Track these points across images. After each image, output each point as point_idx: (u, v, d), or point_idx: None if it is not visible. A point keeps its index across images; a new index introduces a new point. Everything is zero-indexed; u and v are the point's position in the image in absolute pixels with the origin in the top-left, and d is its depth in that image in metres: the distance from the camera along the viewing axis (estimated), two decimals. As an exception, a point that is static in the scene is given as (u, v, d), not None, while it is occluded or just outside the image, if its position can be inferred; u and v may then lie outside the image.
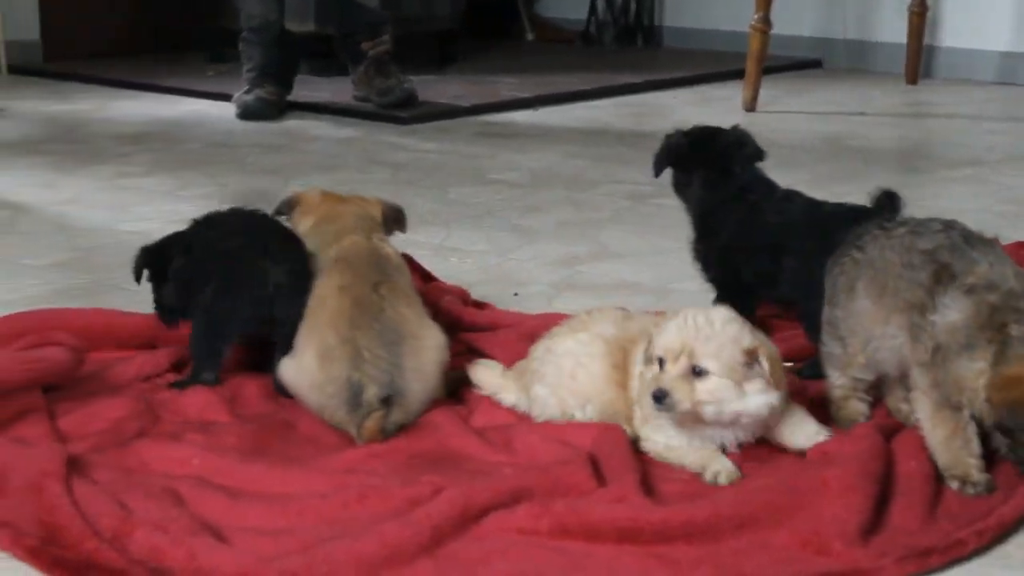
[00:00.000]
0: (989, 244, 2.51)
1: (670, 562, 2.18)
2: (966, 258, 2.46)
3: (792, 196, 3.10)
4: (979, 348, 2.37)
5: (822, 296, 2.73)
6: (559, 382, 2.68)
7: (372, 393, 2.64)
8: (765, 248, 3.01)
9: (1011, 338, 2.35)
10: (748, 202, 3.07)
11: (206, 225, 3.02)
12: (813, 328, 2.86)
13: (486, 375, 2.86)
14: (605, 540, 2.23)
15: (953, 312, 2.41)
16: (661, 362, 2.48)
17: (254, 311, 2.85)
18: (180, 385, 2.88)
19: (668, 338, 2.48)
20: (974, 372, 2.38)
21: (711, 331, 2.46)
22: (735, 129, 3.17)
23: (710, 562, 2.19)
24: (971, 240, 2.50)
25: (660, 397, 2.45)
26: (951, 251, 2.47)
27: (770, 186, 3.12)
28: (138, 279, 3.02)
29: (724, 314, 2.51)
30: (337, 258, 2.89)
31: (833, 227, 2.82)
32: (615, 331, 2.68)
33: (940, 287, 2.44)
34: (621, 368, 2.64)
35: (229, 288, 2.86)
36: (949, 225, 2.54)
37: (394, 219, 3.13)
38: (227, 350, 2.90)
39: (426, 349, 2.75)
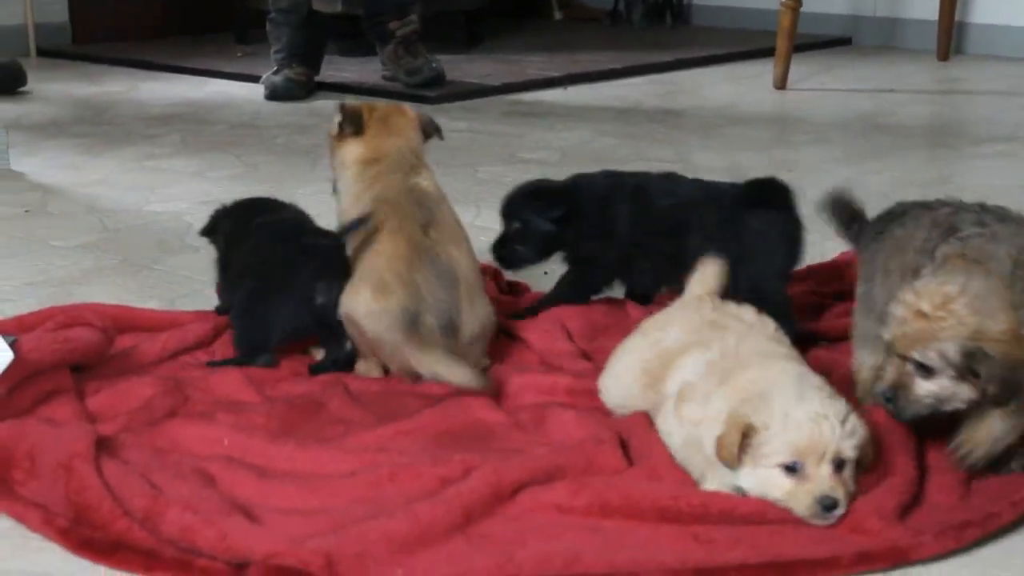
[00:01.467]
0: (1020, 221, 2.42)
1: (706, 542, 2.16)
2: (980, 223, 2.37)
3: (673, 176, 3.12)
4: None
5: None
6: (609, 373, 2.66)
7: (429, 321, 2.70)
8: (666, 231, 3.01)
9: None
10: (631, 190, 3.07)
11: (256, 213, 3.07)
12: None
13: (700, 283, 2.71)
14: (644, 518, 2.22)
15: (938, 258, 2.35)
16: (791, 467, 2.23)
17: (298, 320, 2.85)
18: (215, 364, 2.88)
19: (805, 440, 2.22)
20: None
21: (842, 418, 2.24)
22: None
23: (747, 542, 2.16)
24: (1000, 216, 2.42)
25: (832, 507, 2.23)
26: (973, 223, 2.39)
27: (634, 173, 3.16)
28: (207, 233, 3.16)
29: (827, 391, 2.30)
30: (376, 199, 2.90)
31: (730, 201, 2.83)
32: (675, 340, 2.54)
33: (943, 243, 2.38)
34: (653, 388, 2.52)
35: (268, 296, 2.85)
36: (985, 208, 2.47)
37: (433, 128, 3.13)
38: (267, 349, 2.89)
39: (478, 306, 2.81)
